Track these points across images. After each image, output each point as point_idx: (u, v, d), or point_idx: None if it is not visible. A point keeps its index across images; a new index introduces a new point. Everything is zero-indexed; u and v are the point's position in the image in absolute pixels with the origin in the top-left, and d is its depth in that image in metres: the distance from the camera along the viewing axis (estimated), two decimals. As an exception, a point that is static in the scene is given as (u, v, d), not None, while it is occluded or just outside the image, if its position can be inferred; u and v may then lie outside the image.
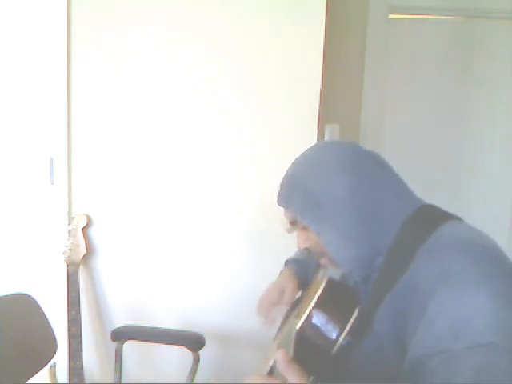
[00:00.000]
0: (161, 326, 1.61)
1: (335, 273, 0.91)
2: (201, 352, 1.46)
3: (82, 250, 1.64)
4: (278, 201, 0.89)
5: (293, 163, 0.90)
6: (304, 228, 0.86)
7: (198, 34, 1.59)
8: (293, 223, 0.89)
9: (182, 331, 1.62)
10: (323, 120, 1.65)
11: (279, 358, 0.64)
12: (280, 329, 1.10)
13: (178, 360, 1.69)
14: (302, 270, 1.13)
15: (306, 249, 0.90)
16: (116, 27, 1.61)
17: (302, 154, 0.90)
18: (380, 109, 2.23)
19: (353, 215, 0.80)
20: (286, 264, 1.18)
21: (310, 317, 0.84)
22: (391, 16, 2.20)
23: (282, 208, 0.90)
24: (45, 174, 1.66)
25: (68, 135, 1.65)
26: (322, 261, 0.90)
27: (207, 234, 1.68)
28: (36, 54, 1.62)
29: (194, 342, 1.47)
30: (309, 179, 0.84)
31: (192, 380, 1.46)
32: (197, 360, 1.46)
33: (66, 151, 1.65)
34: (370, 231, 0.80)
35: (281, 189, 0.89)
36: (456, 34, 2.25)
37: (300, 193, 0.84)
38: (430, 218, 0.81)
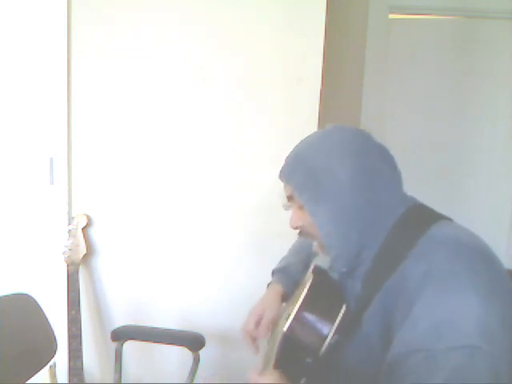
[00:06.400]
0: (161, 326, 1.61)
1: (324, 262, 0.90)
2: (201, 352, 1.46)
3: (82, 250, 1.64)
4: (279, 175, 0.89)
5: (302, 141, 0.90)
6: (300, 207, 0.86)
7: (198, 34, 1.59)
8: (290, 199, 0.89)
9: (182, 331, 1.61)
10: (323, 120, 1.65)
11: (250, 377, 0.64)
12: (273, 329, 1.10)
13: (178, 360, 1.69)
14: (288, 278, 1.13)
15: (297, 228, 0.89)
16: (116, 27, 1.60)
17: (312, 133, 0.90)
18: (380, 109, 2.23)
19: (349, 201, 0.80)
20: (272, 274, 1.18)
21: (296, 318, 0.84)
22: (391, 16, 2.20)
23: (282, 188, 0.90)
24: (45, 174, 1.66)
25: (68, 135, 1.65)
26: (315, 247, 0.90)
27: (206, 234, 1.68)
28: (36, 54, 1.62)
29: (194, 341, 1.46)
30: (313, 158, 0.84)
31: (192, 380, 1.46)
32: (197, 360, 1.46)
33: (66, 151, 1.65)
34: (362, 221, 0.80)
35: (285, 163, 0.89)
36: (456, 34, 2.25)
37: (302, 170, 0.84)
38: (421, 219, 0.81)
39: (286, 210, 0.92)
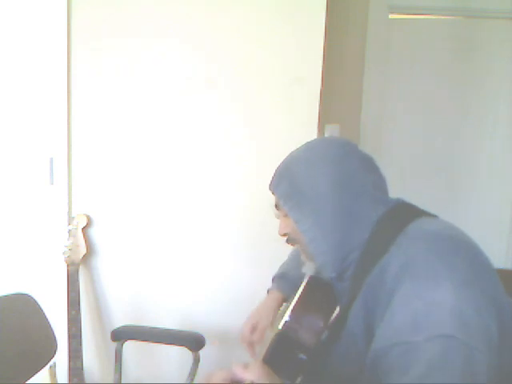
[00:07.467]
0: (161, 326, 1.61)
1: (311, 268, 0.93)
2: (201, 352, 1.46)
3: (82, 250, 1.64)
4: (269, 186, 0.94)
5: (290, 153, 0.94)
6: (285, 215, 0.90)
7: (198, 34, 1.59)
8: (277, 208, 0.93)
9: (182, 331, 1.62)
10: (323, 120, 1.65)
11: (235, 371, 0.66)
12: (267, 335, 1.11)
13: (178, 360, 1.69)
14: (287, 284, 1.15)
15: (285, 235, 0.93)
16: (116, 28, 1.60)
17: (300, 146, 0.95)
18: (380, 109, 2.23)
19: (331, 209, 0.83)
20: (273, 280, 1.20)
21: (292, 314, 0.86)
22: (391, 16, 2.20)
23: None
24: (45, 173, 1.66)
25: (68, 135, 1.65)
26: (302, 257, 0.93)
27: (206, 234, 1.68)
28: (36, 55, 1.62)
29: (194, 342, 1.46)
30: (297, 169, 0.88)
31: (192, 380, 1.46)
32: (197, 360, 1.46)
33: (66, 151, 1.65)
34: (345, 226, 0.83)
35: (274, 175, 0.93)
36: (456, 34, 2.25)
37: (287, 180, 0.88)
38: (401, 217, 0.83)
39: (277, 218, 0.96)
